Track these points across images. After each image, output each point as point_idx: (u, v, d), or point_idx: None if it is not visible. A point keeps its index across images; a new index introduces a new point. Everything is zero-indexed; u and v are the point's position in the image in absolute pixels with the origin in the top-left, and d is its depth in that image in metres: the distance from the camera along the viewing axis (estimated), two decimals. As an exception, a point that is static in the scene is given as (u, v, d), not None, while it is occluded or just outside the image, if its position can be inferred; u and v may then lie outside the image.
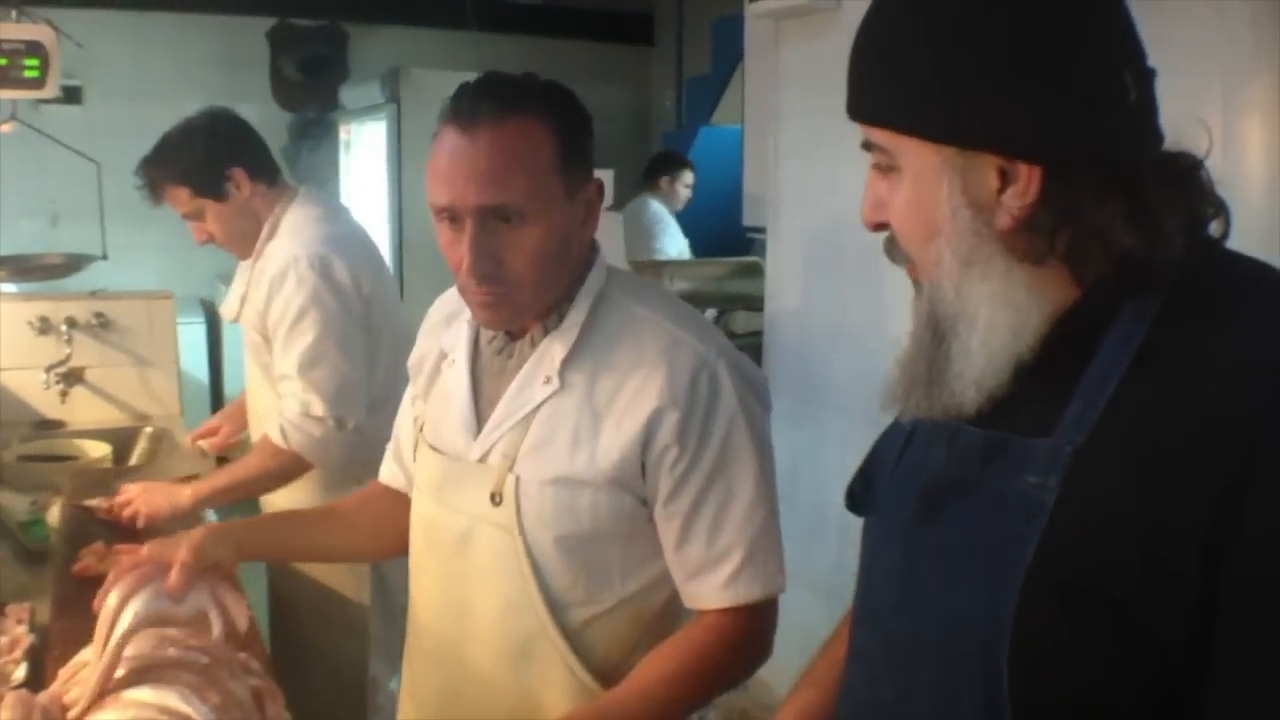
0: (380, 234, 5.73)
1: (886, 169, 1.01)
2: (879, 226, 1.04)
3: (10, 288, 4.18)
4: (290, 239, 2.58)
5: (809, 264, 3.49)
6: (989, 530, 0.96)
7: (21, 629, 1.86)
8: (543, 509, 1.50)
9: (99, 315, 3.65)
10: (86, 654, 1.55)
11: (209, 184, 2.57)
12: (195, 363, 5.58)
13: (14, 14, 3.27)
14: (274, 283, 2.51)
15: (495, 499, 1.52)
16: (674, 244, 5.54)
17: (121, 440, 3.47)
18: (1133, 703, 0.88)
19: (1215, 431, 0.85)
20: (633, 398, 1.47)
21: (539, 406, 1.51)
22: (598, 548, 1.52)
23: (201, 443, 3.19)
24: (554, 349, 1.51)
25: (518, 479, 1.51)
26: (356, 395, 2.54)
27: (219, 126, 2.62)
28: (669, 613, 1.59)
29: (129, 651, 1.53)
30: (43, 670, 1.68)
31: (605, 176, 3.65)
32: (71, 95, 5.91)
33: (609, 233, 3.59)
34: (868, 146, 1.02)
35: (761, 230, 3.91)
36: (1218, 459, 0.84)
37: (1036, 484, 0.92)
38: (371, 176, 5.92)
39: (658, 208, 5.62)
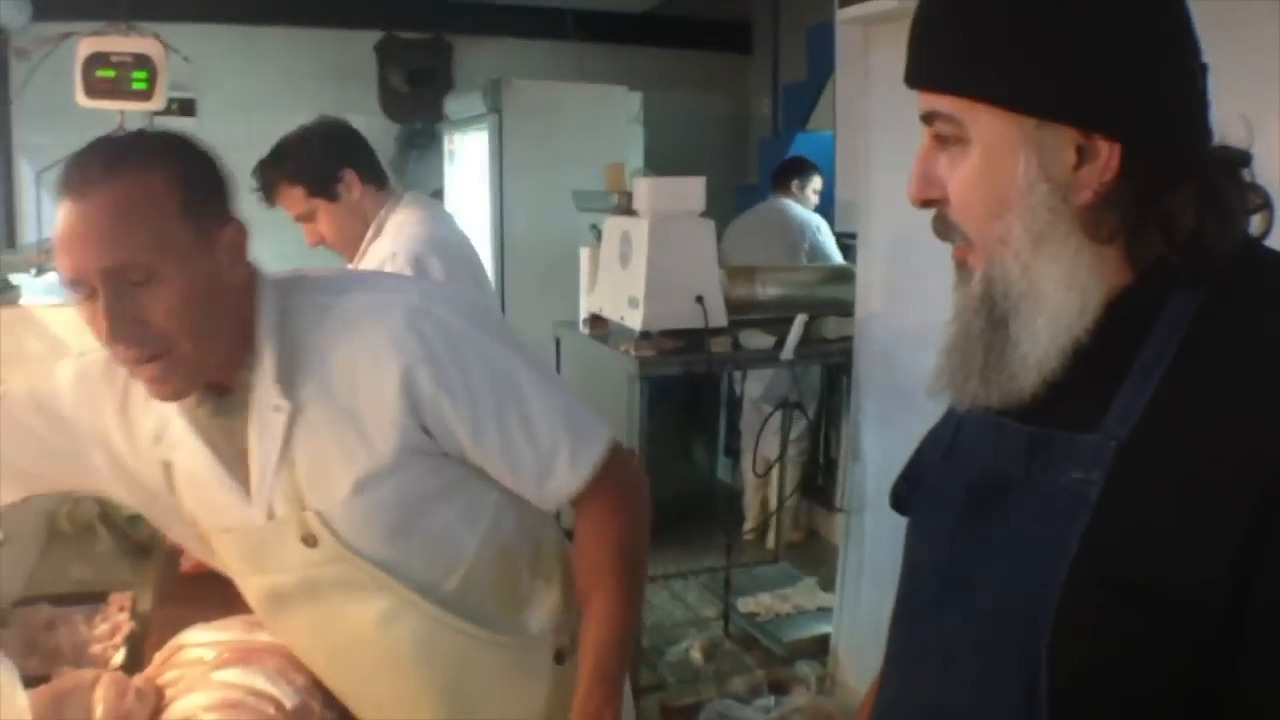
0: (482, 242, 5.84)
1: (950, 141, 0.98)
2: (928, 203, 1.01)
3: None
4: (391, 239, 2.67)
5: (898, 269, 3.48)
6: (1033, 526, 0.95)
7: (123, 616, 1.96)
8: (356, 523, 1.46)
9: (210, 319, 3.79)
10: (182, 638, 1.63)
11: (322, 184, 2.68)
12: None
13: (124, 28, 3.41)
14: None
15: (309, 542, 1.46)
16: (830, 242, 5.45)
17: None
18: (1170, 698, 0.88)
19: (1256, 426, 0.85)
20: (373, 376, 1.43)
21: (290, 439, 1.44)
22: (425, 520, 1.50)
23: None
24: (260, 378, 1.43)
25: (319, 514, 1.45)
26: None
27: (332, 131, 2.75)
28: (520, 536, 1.60)
29: (222, 636, 1.61)
30: (141, 655, 1.77)
31: (695, 184, 3.71)
32: (186, 108, 6.12)
33: (700, 237, 3.63)
34: (928, 119, 0.99)
35: (854, 236, 3.92)
36: (1258, 453, 0.84)
37: (1080, 479, 0.92)
38: (475, 186, 6.03)
39: (803, 210, 5.51)
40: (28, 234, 5.56)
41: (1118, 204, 0.93)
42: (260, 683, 1.49)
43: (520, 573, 1.60)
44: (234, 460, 1.46)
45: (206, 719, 1.45)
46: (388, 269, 2.54)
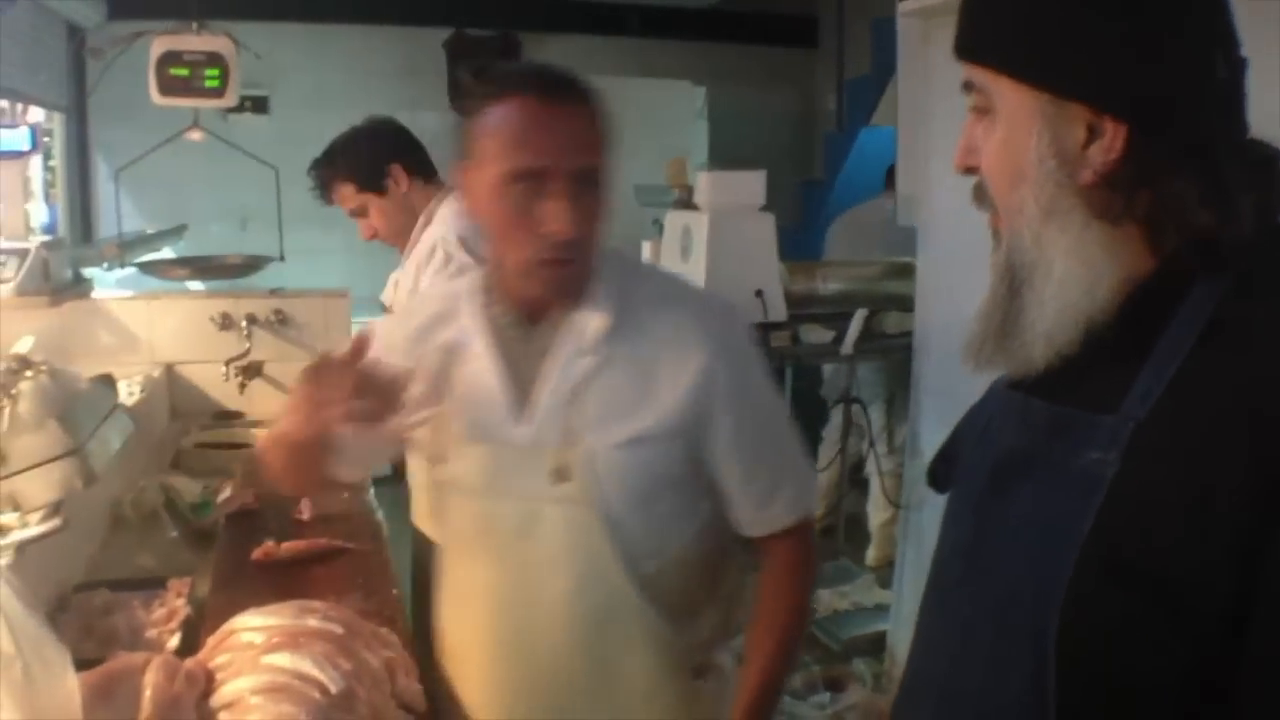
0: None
1: (983, 111, 1.01)
2: (969, 170, 1.05)
3: (198, 285, 4.46)
4: (439, 225, 2.73)
5: (959, 264, 3.43)
6: (1049, 506, 0.96)
7: (180, 601, 2.01)
8: (615, 472, 1.55)
9: (278, 312, 3.87)
10: (234, 623, 1.66)
11: (371, 179, 2.79)
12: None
13: (196, 27, 3.48)
14: (422, 261, 2.66)
15: (560, 475, 1.55)
16: None
17: (294, 431, 3.66)
18: (1176, 687, 0.88)
19: (1267, 418, 0.85)
20: (679, 353, 1.56)
21: (586, 380, 1.55)
22: (661, 499, 1.59)
23: None
24: (588, 322, 1.56)
25: (584, 450, 1.54)
26: None
27: (379, 129, 2.87)
28: (716, 557, 1.69)
29: (273, 621, 1.64)
30: (196, 640, 1.81)
31: (756, 178, 3.69)
32: (259, 105, 6.23)
33: (760, 231, 3.62)
34: (968, 87, 1.03)
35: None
36: (1267, 445, 0.84)
37: (1098, 459, 0.92)
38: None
39: None
40: (104, 229, 5.69)
41: (1119, 184, 0.94)
42: (307, 667, 1.51)
43: (700, 585, 1.68)
44: (520, 383, 1.58)
45: (253, 701, 1.48)
46: (437, 254, 2.61)
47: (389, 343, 1.63)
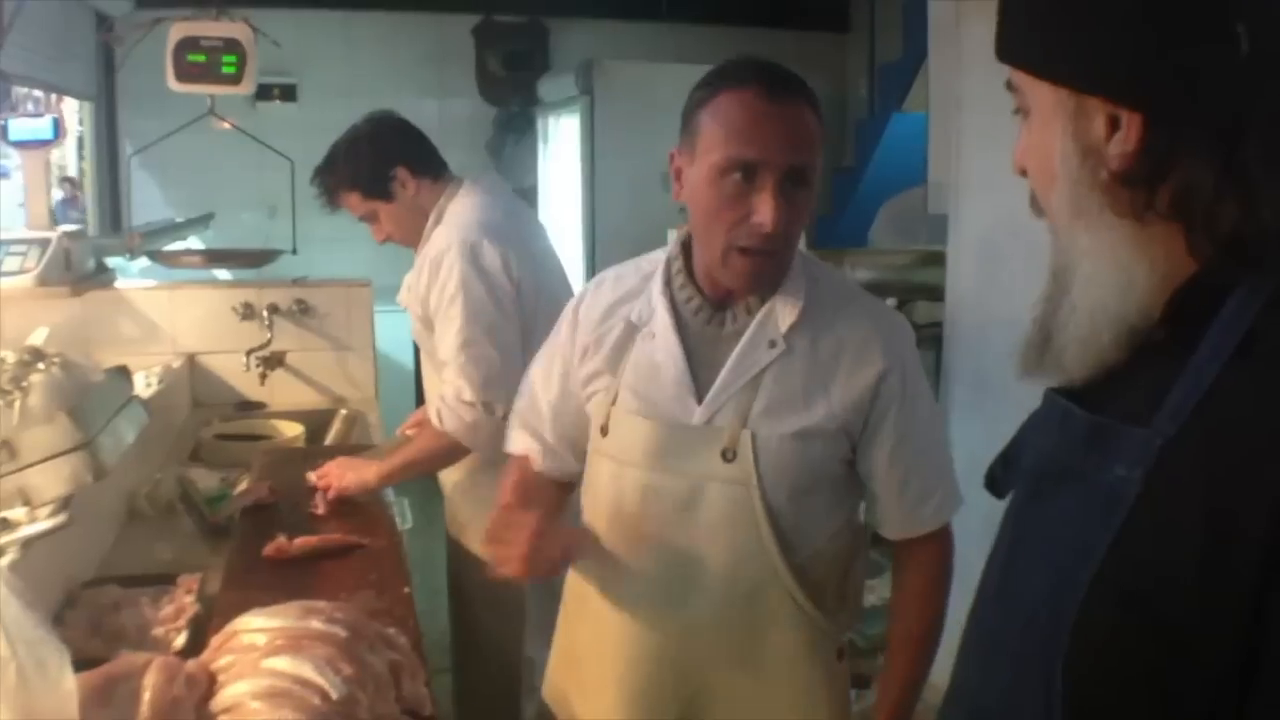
0: (573, 224, 5.81)
1: (1025, 112, 1.00)
2: (1024, 172, 1.03)
3: (225, 274, 4.45)
4: (449, 226, 2.67)
5: (990, 253, 3.37)
6: (1074, 523, 0.90)
7: (189, 599, 1.98)
8: (781, 460, 1.63)
9: (299, 302, 3.85)
10: (239, 623, 1.63)
11: (376, 186, 2.71)
12: (401, 349, 5.78)
13: (214, 13, 3.45)
14: (431, 269, 2.61)
15: (727, 455, 1.63)
16: None
17: (317, 422, 3.65)
18: None
19: None
20: (856, 357, 1.65)
21: (766, 368, 1.64)
22: (816, 492, 1.68)
23: (410, 432, 3.30)
24: (781, 313, 1.65)
25: (754, 435, 1.62)
26: (505, 381, 2.55)
27: (379, 130, 2.76)
28: (849, 553, 1.77)
29: (276, 623, 1.61)
30: (203, 639, 1.78)
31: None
32: (287, 93, 6.22)
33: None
34: (1010, 88, 1.01)
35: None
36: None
37: (1122, 477, 0.87)
38: (567, 168, 6.01)
39: None
40: (134, 218, 5.69)
41: (1138, 178, 0.90)
42: (308, 672, 1.48)
43: (836, 580, 1.75)
44: (698, 364, 1.67)
45: (253, 706, 1.44)
46: (444, 260, 2.58)
47: (577, 318, 1.82)
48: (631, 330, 1.74)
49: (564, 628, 1.91)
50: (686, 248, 1.71)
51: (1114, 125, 0.90)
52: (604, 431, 1.74)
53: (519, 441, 1.94)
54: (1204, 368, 0.86)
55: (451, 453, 2.66)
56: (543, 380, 1.89)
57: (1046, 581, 0.92)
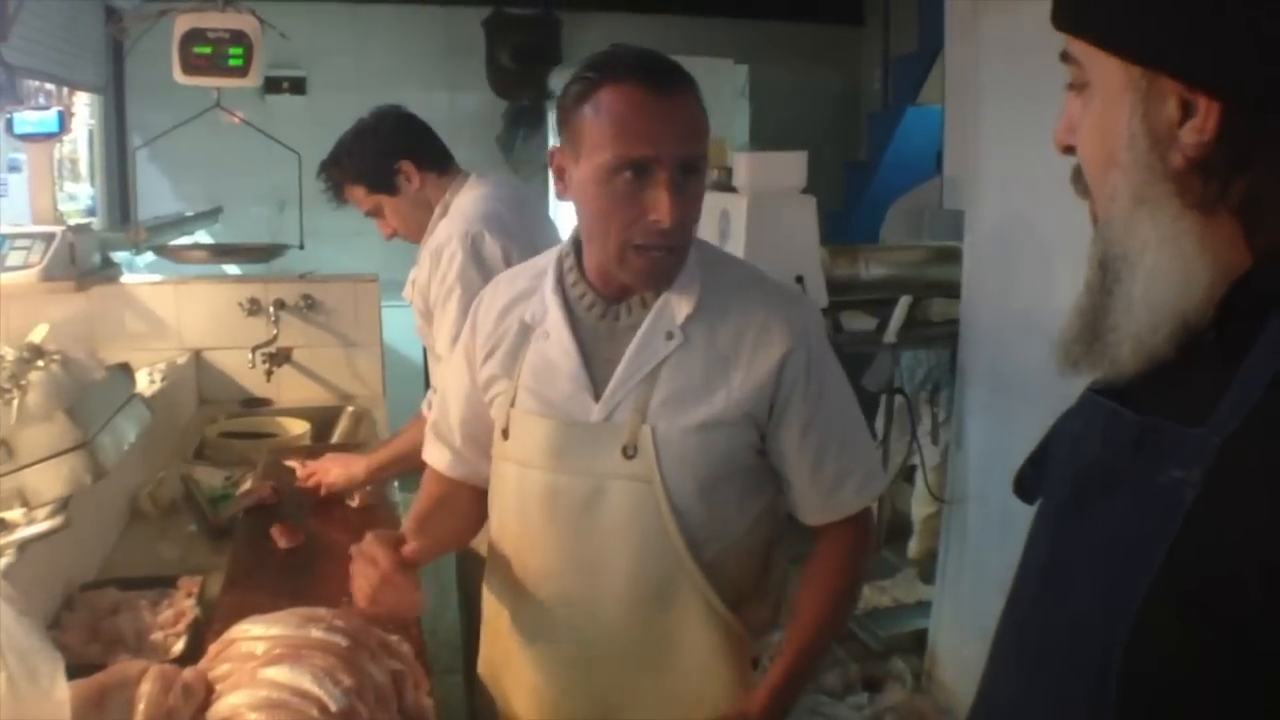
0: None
1: (1080, 86, 0.94)
2: (1069, 150, 0.98)
3: (234, 269, 4.41)
4: (452, 219, 2.65)
5: (1008, 250, 3.32)
6: (1127, 527, 0.86)
7: (189, 603, 1.94)
8: (684, 454, 1.59)
9: (306, 297, 3.80)
10: (237, 630, 1.59)
11: (381, 180, 2.68)
12: (410, 346, 5.75)
13: (221, 4, 3.42)
14: (433, 261, 2.59)
15: (628, 452, 1.59)
16: None
17: (324, 419, 3.62)
18: None
19: None
20: (757, 342, 1.60)
21: (664, 361, 1.60)
22: (725, 484, 1.63)
23: None
24: (676, 305, 1.61)
25: (654, 430, 1.58)
26: None
27: (384, 125, 2.73)
28: (769, 546, 1.74)
29: (275, 631, 1.57)
30: (202, 644, 1.74)
31: (796, 159, 3.58)
32: (296, 86, 6.18)
33: (801, 214, 3.51)
34: (1065, 58, 0.96)
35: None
36: None
37: (1179, 479, 0.82)
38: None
39: None
40: (143, 212, 5.67)
41: (1213, 170, 0.85)
42: (306, 683, 1.43)
43: (753, 572, 1.72)
44: (596, 362, 1.63)
45: (250, 718, 1.41)
46: (445, 251, 2.55)
47: (475, 322, 1.78)
48: (526, 331, 1.69)
49: (485, 636, 1.87)
50: (577, 244, 1.67)
51: (1186, 110, 0.85)
52: (505, 434, 1.70)
53: (431, 452, 1.91)
54: (1262, 365, 0.82)
55: None
56: (452, 388, 1.86)
57: (1095, 589, 0.88)
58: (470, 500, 1.86)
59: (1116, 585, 0.85)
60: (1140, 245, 0.88)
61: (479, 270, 2.53)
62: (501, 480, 1.74)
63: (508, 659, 1.78)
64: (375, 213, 2.75)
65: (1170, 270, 0.87)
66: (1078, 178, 0.98)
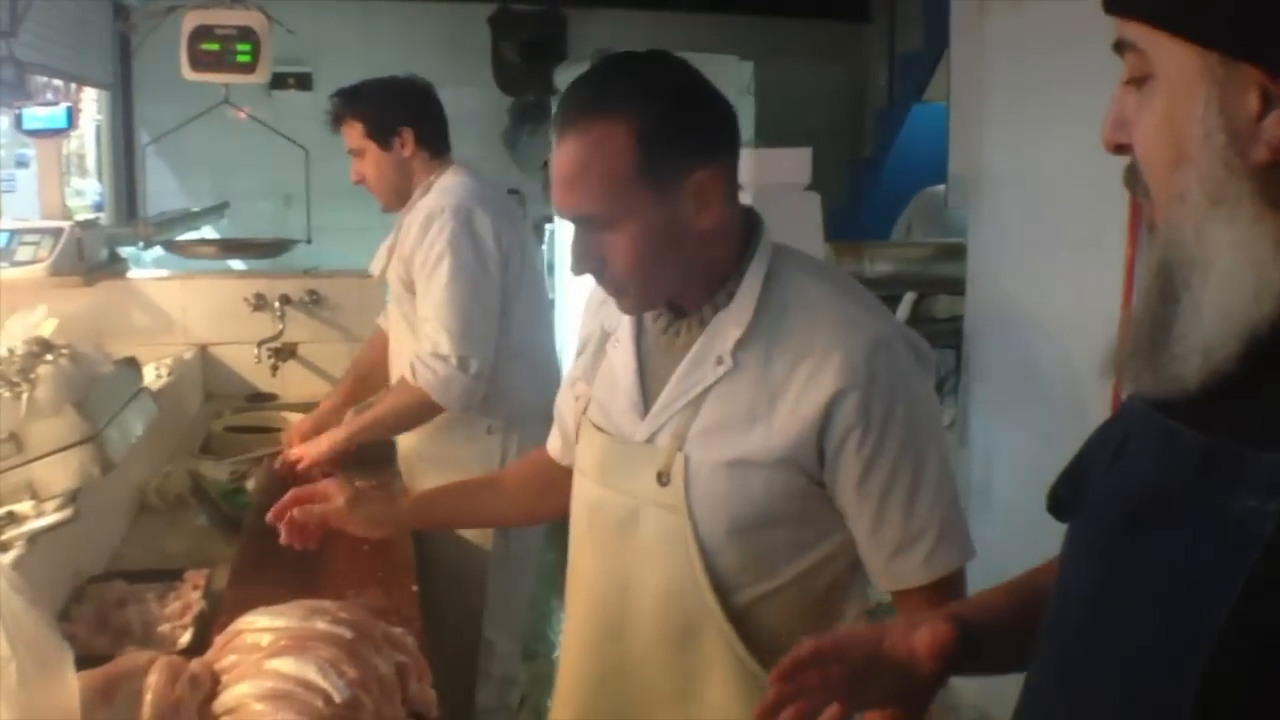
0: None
1: (1140, 79, 0.86)
2: (1120, 149, 0.89)
3: (240, 264, 4.43)
4: (439, 194, 2.78)
5: (1014, 247, 3.33)
6: (1194, 559, 0.79)
7: (195, 595, 1.96)
8: (715, 490, 1.46)
9: (311, 292, 3.82)
10: (243, 622, 1.61)
11: (381, 131, 2.81)
12: (413, 338, 5.78)
13: (229, 1, 3.43)
14: (420, 230, 2.70)
15: (662, 479, 1.48)
16: None
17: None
18: None
19: None
20: (809, 378, 1.42)
21: (710, 387, 1.46)
22: (769, 529, 1.47)
23: None
24: (727, 329, 1.46)
25: (687, 459, 1.46)
26: (483, 339, 2.67)
27: (411, 90, 2.89)
28: (833, 594, 1.55)
29: (280, 623, 1.58)
30: (209, 636, 1.76)
31: (801, 155, 3.59)
32: (302, 82, 6.19)
33: (806, 210, 3.52)
34: (1120, 48, 0.88)
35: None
36: None
37: (1254, 508, 0.75)
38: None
39: None
40: (151, 207, 5.69)
41: None
42: (311, 674, 1.45)
43: (807, 625, 1.49)
44: (653, 378, 1.54)
45: (255, 709, 1.42)
46: (435, 220, 2.66)
47: (584, 313, 1.73)
48: (605, 336, 1.64)
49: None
50: None
51: (1266, 102, 0.78)
52: (576, 438, 1.66)
53: (552, 444, 1.86)
54: None
55: (420, 410, 2.72)
56: (566, 385, 1.80)
57: (1157, 622, 0.82)
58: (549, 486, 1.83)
59: (1181, 619, 0.79)
60: (1213, 249, 0.80)
61: (470, 240, 2.66)
62: (573, 482, 1.68)
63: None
64: (358, 153, 2.85)
65: (1244, 278, 0.79)
66: (1133, 178, 0.90)
